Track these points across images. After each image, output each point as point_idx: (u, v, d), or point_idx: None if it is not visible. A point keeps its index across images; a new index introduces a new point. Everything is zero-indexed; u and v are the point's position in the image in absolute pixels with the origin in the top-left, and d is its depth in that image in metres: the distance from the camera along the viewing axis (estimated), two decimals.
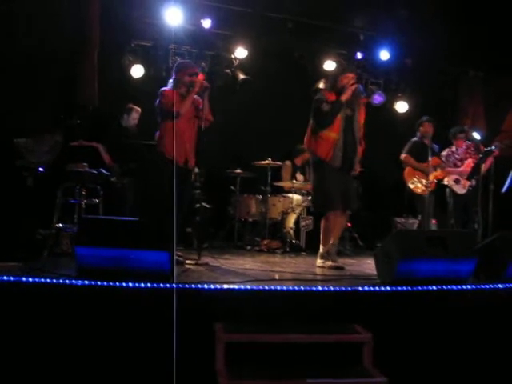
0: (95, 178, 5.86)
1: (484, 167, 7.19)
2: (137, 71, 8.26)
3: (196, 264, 5.43)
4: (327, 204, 5.68)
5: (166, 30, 7.87)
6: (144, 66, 8.28)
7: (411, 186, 7.41)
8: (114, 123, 7.13)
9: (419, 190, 7.36)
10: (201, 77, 8.50)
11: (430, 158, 7.00)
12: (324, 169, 5.68)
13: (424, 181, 7.29)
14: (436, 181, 7.01)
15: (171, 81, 5.68)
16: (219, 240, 8.02)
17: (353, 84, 5.64)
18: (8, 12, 5.74)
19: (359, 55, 9.37)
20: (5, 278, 3.75)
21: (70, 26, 6.27)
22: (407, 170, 7.47)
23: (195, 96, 5.61)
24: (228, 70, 8.94)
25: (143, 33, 8.24)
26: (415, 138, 7.58)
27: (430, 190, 7.25)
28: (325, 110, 5.59)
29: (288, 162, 8.51)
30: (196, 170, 7.71)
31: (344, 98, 5.59)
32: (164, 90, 5.59)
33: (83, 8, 6.39)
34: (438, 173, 7.03)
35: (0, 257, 4.50)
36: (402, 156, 7.50)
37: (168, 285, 3.81)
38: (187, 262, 5.46)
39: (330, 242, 5.80)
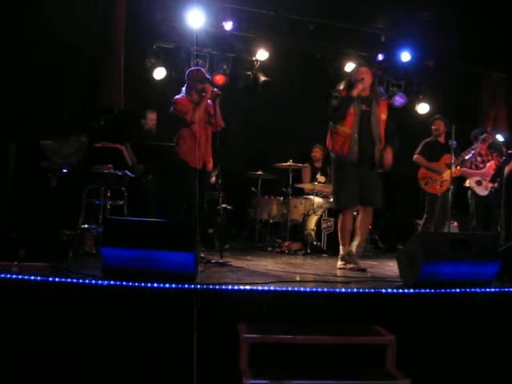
0: (120, 179, 5.91)
1: (507, 169, 7.15)
2: (159, 73, 8.33)
3: (218, 265, 5.46)
4: (343, 199, 5.68)
5: (188, 32, 7.93)
6: (166, 69, 8.34)
7: (424, 186, 7.37)
8: (136, 125, 7.22)
9: (433, 190, 7.30)
10: (221, 79, 8.64)
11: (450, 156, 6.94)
12: (341, 163, 5.67)
13: (438, 180, 7.25)
14: (451, 179, 6.89)
15: (184, 88, 5.80)
16: (240, 241, 8.06)
17: (362, 78, 5.61)
18: (35, 15, 5.82)
19: (380, 57, 9.34)
20: (32, 277, 3.82)
21: (97, 29, 6.34)
22: (420, 170, 7.44)
23: (208, 101, 5.72)
24: (249, 72, 8.99)
25: (165, 35, 8.30)
26: (428, 138, 7.55)
27: (444, 189, 7.18)
28: (334, 104, 5.61)
29: (307, 164, 8.54)
30: (217, 171, 7.79)
31: (355, 92, 5.58)
32: (176, 99, 5.75)
33: (110, 11, 6.45)
34: (454, 171, 6.92)
35: (26, 257, 4.57)
36: (414, 157, 7.47)
37: (192, 285, 3.85)
38: (210, 262, 5.50)
39: (355, 243, 5.75)
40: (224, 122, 5.83)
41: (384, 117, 5.76)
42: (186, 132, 5.69)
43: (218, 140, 5.83)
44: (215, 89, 5.79)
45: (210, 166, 5.88)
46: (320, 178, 8.38)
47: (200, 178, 5.45)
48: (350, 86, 5.68)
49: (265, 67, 8.92)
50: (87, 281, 3.84)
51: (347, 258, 5.70)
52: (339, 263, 5.74)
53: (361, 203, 5.75)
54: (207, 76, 5.87)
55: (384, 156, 5.66)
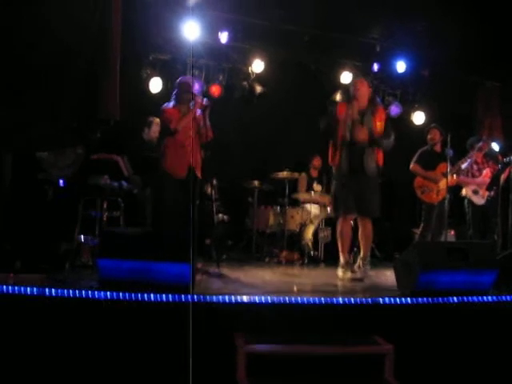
0: (116, 190, 5.91)
1: (503, 178, 7.16)
2: (155, 84, 8.33)
3: (216, 275, 5.46)
4: (340, 206, 5.77)
5: (184, 43, 7.95)
6: (162, 80, 8.35)
7: (421, 195, 7.38)
8: (135, 137, 7.21)
9: (430, 199, 7.32)
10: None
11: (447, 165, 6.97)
12: (335, 174, 5.84)
13: (434, 189, 7.26)
14: (447, 188, 6.90)
15: (173, 97, 5.88)
16: (238, 252, 8.05)
17: (358, 93, 5.70)
18: (30, 26, 5.83)
19: (376, 67, 9.38)
20: (28, 289, 3.80)
21: (92, 39, 6.36)
22: (417, 179, 7.45)
23: (199, 111, 5.75)
24: (245, 83, 9.01)
25: (161, 46, 8.32)
26: (424, 147, 7.57)
27: (440, 197, 7.20)
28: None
29: (303, 174, 8.55)
30: (214, 182, 7.78)
31: (353, 109, 5.65)
32: (164, 107, 5.82)
33: (105, 21, 6.47)
34: (450, 179, 6.92)
35: (23, 268, 4.56)
36: (411, 166, 7.49)
37: (189, 296, 3.84)
38: (207, 273, 5.50)
39: (360, 255, 5.83)
40: (213, 132, 5.83)
41: (380, 125, 5.78)
42: (171, 141, 5.72)
43: (208, 151, 5.87)
44: (205, 99, 5.82)
45: (198, 175, 5.86)
46: (316, 187, 8.39)
47: (188, 186, 5.49)
48: (349, 98, 5.78)
49: (260, 78, 8.94)
50: (84, 292, 3.83)
51: (346, 267, 5.71)
52: (339, 272, 5.75)
53: (358, 214, 5.81)
54: (192, 88, 5.91)
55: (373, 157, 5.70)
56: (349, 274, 5.63)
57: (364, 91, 5.75)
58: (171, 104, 5.85)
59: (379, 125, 5.77)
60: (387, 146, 5.81)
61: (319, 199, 8.11)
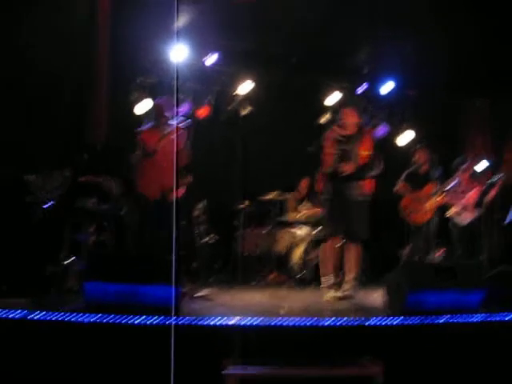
0: (103, 213, 5.88)
1: (489, 197, 7.21)
2: (143, 107, 8.33)
3: (203, 298, 5.42)
4: (327, 228, 6.02)
5: (171, 66, 7.98)
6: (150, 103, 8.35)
7: (408, 215, 7.40)
8: (122, 159, 7.18)
9: (417, 219, 7.34)
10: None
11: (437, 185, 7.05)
12: (322, 199, 6.07)
13: (421, 209, 7.29)
14: (435, 208, 6.93)
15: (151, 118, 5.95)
16: (225, 274, 7.99)
17: (343, 123, 5.90)
18: (17, 50, 5.85)
19: (363, 87, 9.47)
20: (13, 313, 3.76)
21: (80, 64, 6.38)
22: (404, 200, 7.48)
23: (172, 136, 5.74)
24: (232, 105, 9.04)
25: (148, 69, 8.35)
26: (411, 168, 7.62)
27: (427, 217, 7.22)
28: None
29: (291, 195, 8.54)
30: (201, 204, 7.76)
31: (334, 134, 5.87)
32: (142, 129, 5.88)
33: (93, 45, 6.50)
34: (436, 200, 6.94)
35: (9, 292, 4.51)
36: (398, 186, 7.52)
37: (176, 320, 3.80)
38: (195, 296, 5.46)
39: (346, 278, 5.91)
40: (190, 156, 5.85)
41: (366, 152, 5.89)
42: (144, 163, 5.74)
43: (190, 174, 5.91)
44: (187, 121, 5.84)
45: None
46: (303, 207, 8.38)
47: (161, 208, 5.53)
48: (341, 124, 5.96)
49: (248, 99, 8.98)
50: (69, 316, 3.79)
51: (331, 287, 5.84)
52: (326, 294, 5.81)
53: (345, 237, 5.95)
54: (166, 111, 5.90)
55: (358, 187, 5.83)
56: (335, 294, 5.71)
57: (352, 120, 5.90)
58: (148, 126, 5.90)
59: (366, 154, 5.87)
60: (373, 176, 5.93)
61: (307, 219, 8.09)
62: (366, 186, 5.87)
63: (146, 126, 5.90)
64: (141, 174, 5.79)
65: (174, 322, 3.72)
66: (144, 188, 5.74)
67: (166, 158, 5.72)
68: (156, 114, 5.92)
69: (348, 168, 5.75)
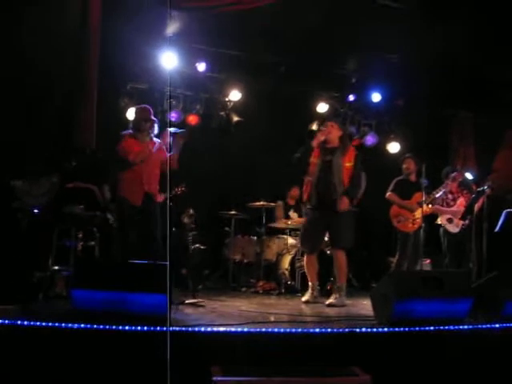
0: (91, 220, 5.86)
1: (477, 207, 7.25)
2: (132, 113, 8.32)
3: (192, 306, 5.40)
4: (302, 242, 6.38)
5: (162, 73, 7.99)
6: None
7: (397, 224, 7.44)
8: (110, 165, 7.17)
9: (405, 228, 7.38)
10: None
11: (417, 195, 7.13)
12: (306, 209, 6.29)
13: (410, 218, 7.32)
14: (422, 217, 6.97)
15: (131, 124, 5.93)
16: (214, 281, 7.98)
17: (324, 134, 6.09)
18: (6, 53, 5.82)
19: (351, 97, 9.54)
20: (0, 321, 3.72)
21: (69, 69, 6.36)
22: (392, 208, 7.51)
23: (158, 145, 5.76)
24: (222, 113, 9.06)
25: (139, 76, 8.36)
26: (399, 177, 7.66)
27: (416, 226, 7.26)
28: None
29: (280, 202, 8.55)
30: (191, 211, 7.75)
31: (314, 143, 6.06)
32: (124, 135, 5.80)
33: (83, 50, 6.48)
34: (425, 209, 7.00)
35: None
36: (387, 195, 7.56)
37: (165, 328, 3.78)
38: (183, 303, 5.44)
39: (335, 287, 6.13)
40: (178, 163, 5.83)
41: (349, 165, 6.07)
42: (126, 175, 5.72)
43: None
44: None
45: (158, 198, 5.88)
46: (293, 214, 8.40)
47: (143, 213, 5.61)
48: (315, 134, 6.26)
49: (237, 107, 9.01)
50: (57, 324, 3.76)
51: (313, 291, 6.16)
52: (305, 296, 6.19)
53: (331, 245, 6.28)
54: (151, 116, 5.87)
55: (339, 201, 5.94)
56: (307, 296, 6.11)
57: (334, 134, 6.11)
58: (129, 132, 5.84)
59: (348, 166, 6.06)
60: (356, 194, 6.11)
61: (296, 225, 8.10)
62: (342, 202, 5.99)
63: (127, 132, 5.83)
64: (123, 179, 5.75)
65: (167, 330, 3.71)
66: (126, 192, 5.70)
67: (148, 165, 5.73)
68: (139, 119, 5.83)
69: (343, 205, 5.92)
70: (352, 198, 6.02)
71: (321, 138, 6.06)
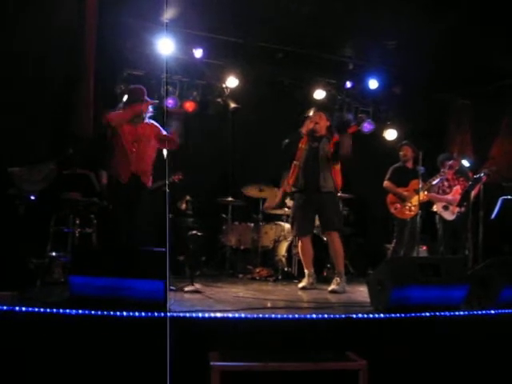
0: (88, 206, 5.86)
1: (473, 194, 7.27)
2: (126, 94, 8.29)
3: (189, 292, 5.42)
4: (295, 227, 6.36)
5: (158, 59, 7.96)
6: None
7: (393, 211, 7.47)
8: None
9: (402, 215, 7.41)
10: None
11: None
12: (294, 194, 6.44)
13: (406, 205, 7.35)
14: (419, 204, 6.98)
15: (121, 105, 5.88)
16: (211, 268, 8.01)
17: (312, 123, 6.30)
18: (2, 40, 5.79)
19: (348, 84, 9.53)
20: None
21: (66, 55, 6.32)
22: (389, 196, 7.54)
23: (150, 122, 5.79)
24: (219, 99, 9.04)
25: (136, 62, 8.32)
26: (396, 164, 7.68)
27: (413, 213, 7.28)
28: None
29: (277, 189, 8.56)
30: (188, 197, 7.76)
31: (303, 130, 6.33)
32: (109, 111, 5.79)
33: (80, 37, 6.45)
34: (421, 196, 7.01)
35: None
36: (384, 183, 7.58)
37: (162, 314, 3.80)
38: (181, 290, 5.46)
39: (335, 271, 6.17)
40: (178, 139, 5.86)
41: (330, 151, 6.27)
42: (115, 152, 5.69)
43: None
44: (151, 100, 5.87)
45: (145, 182, 5.81)
46: (289, 202, 8.41)
47: (130, 192, 5.60)
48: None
49: (234, 94, 8.98)
50: (55, 310, 3.77)
51: (309, 277, 6.23)
52: (302, 283, 6.26)
53: (322, 230, 6.36)
54: (145, 96, 5.82)
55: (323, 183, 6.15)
56: (304, 283, 6.19)
57: (322, 124, 6.33)
58: (116, 111, 5.82)
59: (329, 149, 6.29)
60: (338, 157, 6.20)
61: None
62: (337, 177, 6.24)
63: (115, 110, 5.81)
64: (112, 156, 5.73)
65: (165, 316, 3.73)
66: (113, 170, 5.71)
67: (139, 146, 5.71)
68: (131, 99, 5.78)
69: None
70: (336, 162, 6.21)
71: (310, 126, 6.28)
